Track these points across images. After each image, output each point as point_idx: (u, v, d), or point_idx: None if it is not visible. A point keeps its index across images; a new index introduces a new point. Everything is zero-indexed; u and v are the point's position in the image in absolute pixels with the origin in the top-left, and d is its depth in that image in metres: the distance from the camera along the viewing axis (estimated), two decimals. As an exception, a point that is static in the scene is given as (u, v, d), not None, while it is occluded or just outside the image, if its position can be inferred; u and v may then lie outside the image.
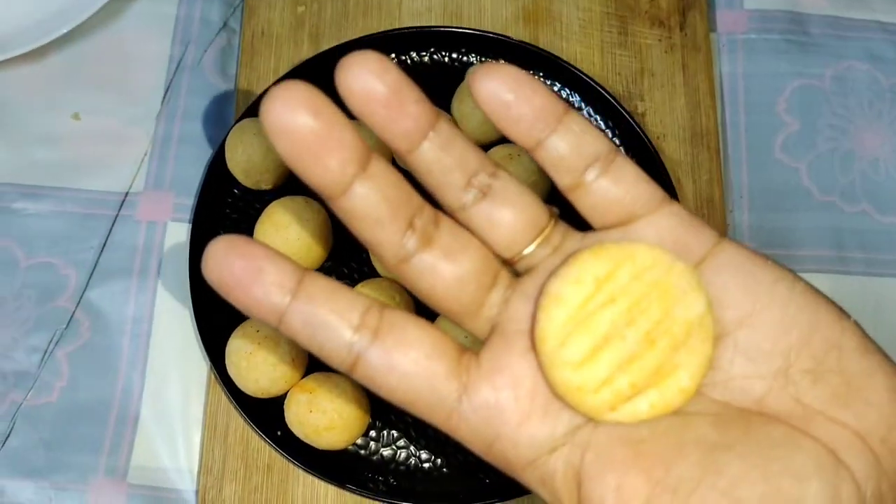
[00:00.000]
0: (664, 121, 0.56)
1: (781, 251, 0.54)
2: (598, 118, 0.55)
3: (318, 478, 0.48)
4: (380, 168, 0.25)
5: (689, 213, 0.27)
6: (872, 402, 0.25)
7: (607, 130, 0.54)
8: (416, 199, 0.26)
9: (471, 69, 0.25)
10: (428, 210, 0.26)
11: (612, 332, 0.25)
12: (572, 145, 0.26)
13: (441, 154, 0.26)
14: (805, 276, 0.52)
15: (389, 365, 0.25)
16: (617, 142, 0.54)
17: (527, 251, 0.27)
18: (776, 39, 0.58)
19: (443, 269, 0.26)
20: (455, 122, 0.52)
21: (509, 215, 0.26)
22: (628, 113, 0.53)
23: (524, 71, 0.25)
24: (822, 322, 0.25)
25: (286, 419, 0.47)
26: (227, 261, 0.24)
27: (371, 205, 0.25)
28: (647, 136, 0.53)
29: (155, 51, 0.58)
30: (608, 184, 0.26)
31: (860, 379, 0.25)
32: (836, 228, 0.55)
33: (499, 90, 0.25)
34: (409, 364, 0.25)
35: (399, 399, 0.26)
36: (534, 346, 0.26)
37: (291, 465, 0.49)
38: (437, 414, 0.26)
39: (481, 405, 0.26)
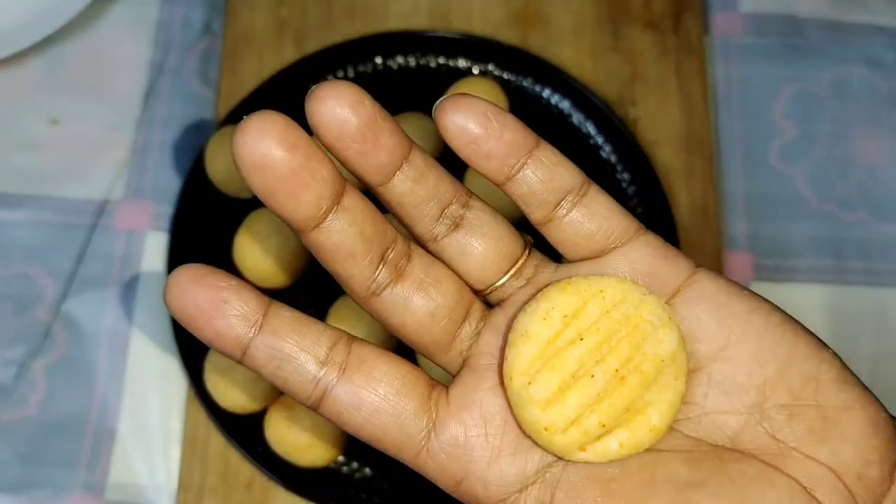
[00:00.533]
0: (657, 127, 0.55)
1: (778, 261, 0.53)
2: (589, 124, 0.53)
3: (300, 496, 0.47)
4: (354, 201, 0.24)
5: (664, 244, 0.26)
6: (848, 437, 0.24)
7: (598, 137, 0.53)
8: (391, 232, 0.25)
9: (437, 103, 0.24)
10: (401, 242, 0.25)
11: (581, 370, 0.24)
12: (544, 179, 0.25)
13: (414, 186, 0.25)
14: (803, 286, 0.52)
15: (357, 402, 0.25)
16: (609, 148, 0.53)
17: (499, 283, 0.26)
18: (772, 43, 0.57)
19: (415, 303, 0.25)
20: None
21: (481, 246, 0.26)
22: (620, 120, 0.52)
23: (492, 103, 0.24)
24: (800, 354, 0.25)
25: (266, 437, 0.46)
26: (190, 291, 0.23)
27: (345, 239, 0.24)
28: (639, 143, 0.52)
29: (135, 55, 0.56)
30: (581, 218, 0.26)
31: (837, 413, 0.24)
32: (834, 237, 0.53)
33: (467, 125, 0.24)
34: (377, 401, 0.25)
35: (366, 436, 0.25)
36: (502, 383, 0.25)
37: (272, 483, 0.48)
38: (405, 452, 0.25)
39: (450, 443, 0.25)
